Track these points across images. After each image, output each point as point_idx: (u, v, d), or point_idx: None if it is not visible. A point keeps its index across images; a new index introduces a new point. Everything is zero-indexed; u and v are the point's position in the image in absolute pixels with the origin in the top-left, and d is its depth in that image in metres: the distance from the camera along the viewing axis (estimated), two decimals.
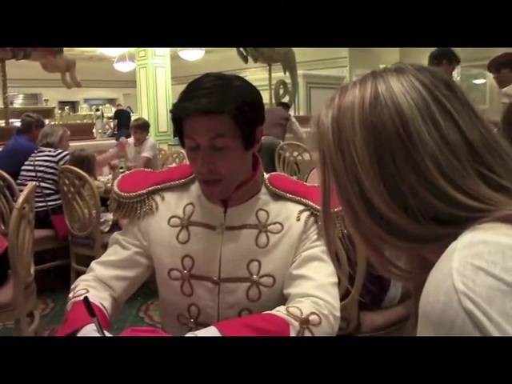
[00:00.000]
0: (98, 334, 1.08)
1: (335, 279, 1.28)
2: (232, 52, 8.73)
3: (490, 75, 4.69)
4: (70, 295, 1.30)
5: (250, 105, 1.23)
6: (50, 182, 4.02)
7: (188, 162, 1.29)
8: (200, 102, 1.18)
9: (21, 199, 2.40)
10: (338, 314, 1.23)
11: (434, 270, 0.59)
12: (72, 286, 1.33)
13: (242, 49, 8.26)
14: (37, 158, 4.11)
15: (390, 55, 9.81)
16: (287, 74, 8.95)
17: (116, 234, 1.41)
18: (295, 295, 1.24)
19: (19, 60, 6.29)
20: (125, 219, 1.48)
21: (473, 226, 0.60)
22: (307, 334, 1.15)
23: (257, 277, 1.29)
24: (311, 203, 1.33)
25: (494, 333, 0.51)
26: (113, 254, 1.38)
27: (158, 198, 1.37)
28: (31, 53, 6.38)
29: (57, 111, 10.96)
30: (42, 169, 4.05)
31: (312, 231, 1.31)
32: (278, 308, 1.20)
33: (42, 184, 3.96)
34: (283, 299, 1.27)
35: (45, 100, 12.56)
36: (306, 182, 1.57)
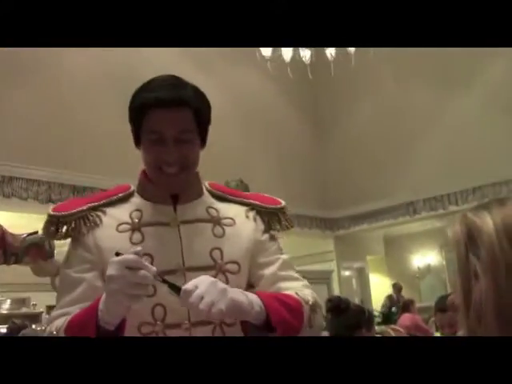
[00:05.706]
0: None
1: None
2: None
3: None
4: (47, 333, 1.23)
5: (205, 104, 1.30)
6: None
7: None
8: (162, 93, 1.22)
9: None
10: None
11: None
12: (45, 334, 1.27)
13: None
14: None
15: (375, 246, 10.04)
16: None
17: (64, 270, 1.30)
18: (285, 289, 1.28)
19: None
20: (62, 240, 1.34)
21: None
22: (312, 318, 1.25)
23: (221, 262, 1.28)
24: (254, 202, 1.39)
25: None
26: (68, 292, 1.26)
27: (99, 213, 1.32)
28: (23, 257, 6.42)
29: (44, 316, 10.77)
30: None
31: (264, 228, 1.37)
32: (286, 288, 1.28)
33: None
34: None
35: (33, 305, 12.42)
36: None
